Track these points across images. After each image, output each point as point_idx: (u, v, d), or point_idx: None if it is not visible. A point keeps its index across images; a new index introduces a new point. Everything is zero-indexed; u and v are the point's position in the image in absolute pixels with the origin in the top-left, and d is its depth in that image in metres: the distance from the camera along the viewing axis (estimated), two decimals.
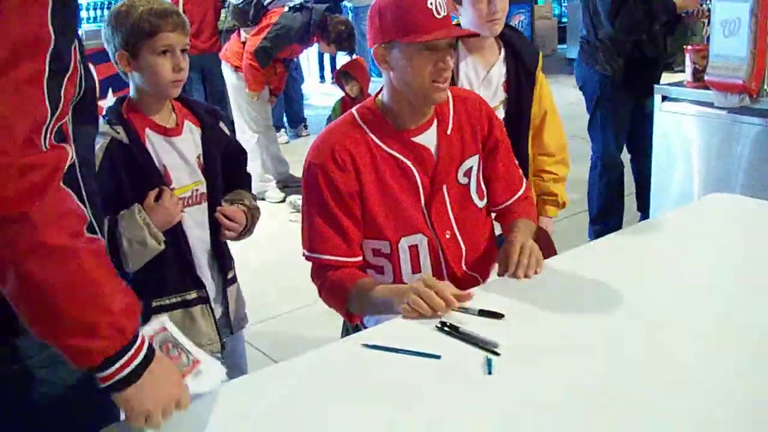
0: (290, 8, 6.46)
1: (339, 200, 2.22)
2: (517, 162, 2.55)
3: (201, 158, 2.39)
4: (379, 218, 2.26)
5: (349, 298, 2.22)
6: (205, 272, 2.45)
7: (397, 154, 2.26)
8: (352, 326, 2.47)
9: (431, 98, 2.22)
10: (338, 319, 2.54)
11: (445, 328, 1.93)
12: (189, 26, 2.34)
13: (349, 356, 1.90)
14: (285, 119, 8.58)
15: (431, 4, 2.13)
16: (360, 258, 2.30)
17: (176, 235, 2.34)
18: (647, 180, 4.61)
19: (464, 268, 2.37)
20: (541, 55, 2.96)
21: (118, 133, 2.24)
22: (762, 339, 1.90)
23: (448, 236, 2.33)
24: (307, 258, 2.32)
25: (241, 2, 6.52)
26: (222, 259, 2.52)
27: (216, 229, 2.44)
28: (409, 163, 2.27)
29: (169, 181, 2.32)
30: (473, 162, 2.38)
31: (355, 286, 2.21)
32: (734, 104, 3.77)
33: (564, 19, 14.05)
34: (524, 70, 2.87)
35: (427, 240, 2.30)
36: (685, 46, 4.25)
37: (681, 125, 4.21)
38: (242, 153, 2.61)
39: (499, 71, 2.84)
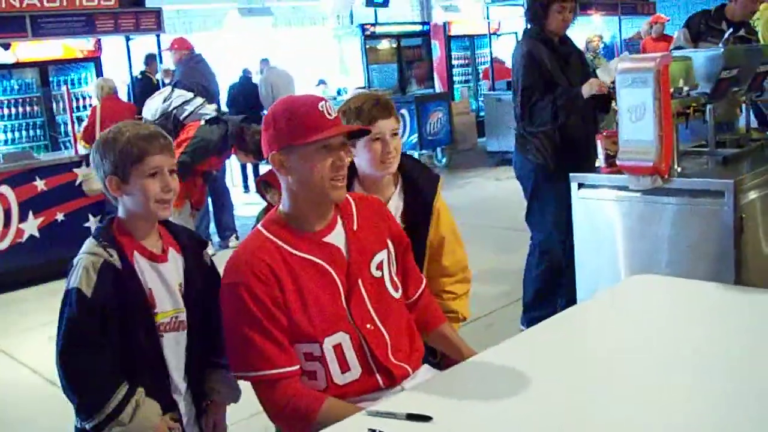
0: (206, 121, 6.50)
1: (267, 313, 2.22)
2: None
3: (182, 286, 2.40)
4: (302, 322, 2.26)
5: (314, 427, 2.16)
6: (179, 396, 2.42)
7: (311, 257, 2.29)
8: None
9: (330, 196, 2.29)
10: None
11: None
12: (174, 147, 2.39)
13: None
14: (214, 229, 8.53)
15: (321, 107, 2.25)
16: (298, 366, 2.27)
17: (153, 360, 2.33)
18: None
19: (392, 358, 2.35)
20: (440, 182, 3.00)
21: (111, 256, 2.26)
22: (692, 412, 1.92)
23: (370, 327, 2.34)
24: (246, 378, 2.29)
25: (158, 118, 6.55)
26: (195, 387, 2.49)
27: (192, 357, 2.43)
28: (323, 263, 2.30)
29: (153, 306, 2.33)
30: (383, 256, 2.43)
31: (319, 414, 2.20)
32: (647, 186, 3.85)
33: (482, 113, 14.36)
34: (421, 200, 2.91)
35: (349, 336, 2.30)
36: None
37: (600, 209, 4.28)
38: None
39: (395, 204, 2.87)
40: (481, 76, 16.41)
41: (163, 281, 2.36)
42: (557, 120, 4.50)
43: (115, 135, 2.30)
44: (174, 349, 2.39)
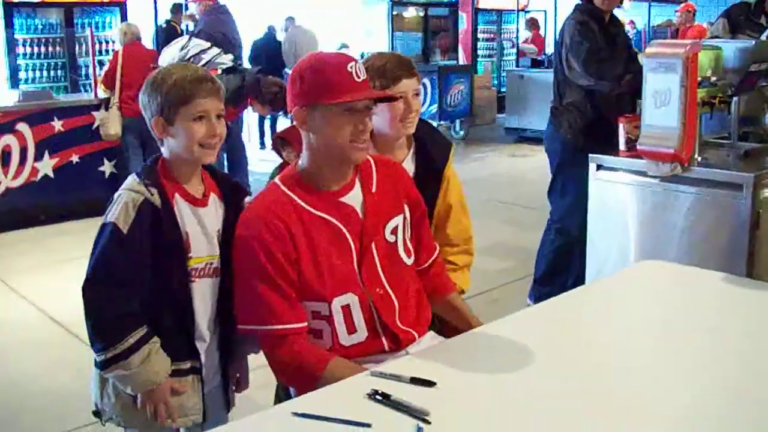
0: (223, 71, 6.49)
1: (278, 268, 2.22)
2: None
3: (220, 233, 2.38)
4: (313, 280, 2.25)
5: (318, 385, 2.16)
6: (202, 343, 2.40)
7: (326, 216, 2.29)
8: (283, 393, 2.44)
9: (351, 158, 2.28)
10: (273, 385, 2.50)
11: (377, 396, 1.91)
12: (224, 92, 2.37)
13: (280, 425, 1.87)
14: None
15: (350, 67, 2.22)
16: (306, 323, 2.27)
17: (181, 304, 2.32)
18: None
19: (399, 323, 2.35)
20: (453, 149, 2.98)
21: (152, 195, 2.25)
22: (691, 402, 1.93)
23: (379, 291, 2.34)
24: (253, 331, 2.29)
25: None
26: (222, 338, 2.46)
27: (223, 304, 2.40)
28: (338, 223, 2.29)
29: (188, 250, 2.31)
30: (398, 221, 2.42)
31: (324, 372, 2.20)
32: (666, 173, 3.84)
33: (503, 89, 14.30)
34: (432, 166, 2.89)
35: (358, 298, 2.30)
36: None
37: (615, 193, 4.27)
38: None
39: (407, 167, 2.82)
40: (521, 41, 16.09)
41: (202, 226, 2.34)
42: (623, 77, 4.47)
43: (164, 76, 2.28)
44: (204, 295, 2.36)
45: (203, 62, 6.62)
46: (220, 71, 6.51)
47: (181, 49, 6.77)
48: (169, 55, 6.76)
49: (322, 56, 2.34)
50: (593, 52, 4.51)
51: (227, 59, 6.76)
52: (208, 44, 6.87)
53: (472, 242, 3.04)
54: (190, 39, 7.02)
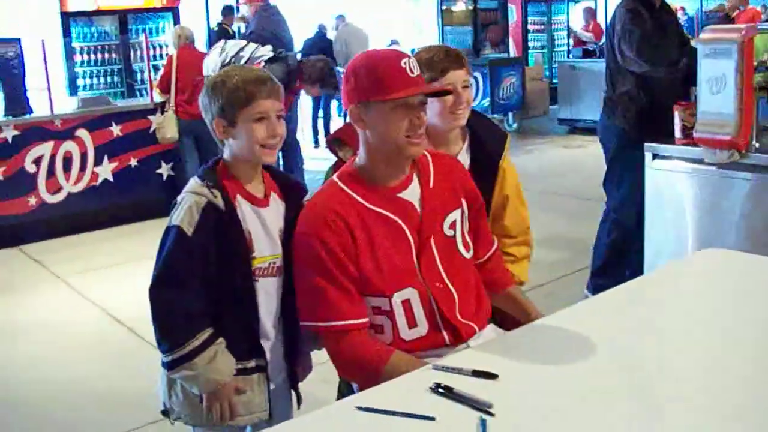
0: (266, 62, 6.54)
1: (339, 265, 2.24)
2: None
3: (282, 232, 2.41)
4: (373, 276, 2.27)
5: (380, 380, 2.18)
6: (267, 342, 2.43)
7: (384, 211, 2.30)
8: (346, 388, 2.46)
9: (407, 153, 2.29)
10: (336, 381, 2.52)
11: (440, 390, 1.92)
12: (283, 92, 2.39)
13: (344, 419, 1.89)
14: None
15: (404, 63, 2.23)
16: (367, 318, 2.30)
17: (246, 304, 2.35)
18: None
19: (459, 317, 2.36)
20: (508, 140, 2.96)
21: (215, 197, 2.28)
22: (753, 392, 1.90)
23: (439, 285, 2.34)
24: (314, 328, 2.32)
25: (221, 67, 6.60)
26: (287, 335, 2.50)
27: (286, 302, 2.43)
28: (396, 218, 2.31)
29: (252, 250, 2.34)
30: (456, 215, 2.42)
31: (386, 367, 2.21)
32: (723, 160, 3.80)
33: (555, 81, 14.20)
34: (488, 158, 2.88)
35: (418, 293, 2.31)
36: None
37: (672, 182, 4.24)
38: None
39: (462, 160, 2.81)
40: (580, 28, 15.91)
41: (264, 226, 2.36)
42: (677, 63, 4.45)
43: (224, 78, 2.32)
44: (268, 294, 2.39)
45: (244, 60, 6.67)
46: (262, 64, 6.56)
47: (220, 53, 6.84)
48: (212, 62, 6.84)
49: (375, 53, 2.35)
50: (646, 39, 4.47)
51: (266, 50, 6.80)
52: (244, 42, 6.94)
53: (530, 234, 3.02)
54: (225, 42, 7.10)
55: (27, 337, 5.22)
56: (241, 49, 6.79)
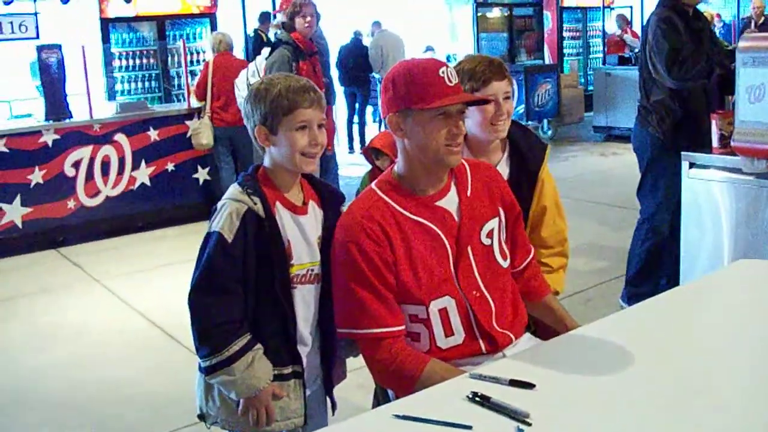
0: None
1: (376, 272, 2.26)
2: None
3: (320, 240, 2.43)
4: (410, 283, 2.29)
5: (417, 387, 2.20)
6: (304, 348, 2.46)
7: (422, 220, 2.32)
8: (382, 395, 2.48)
9: (445, 162, 2.30)
10: (371, 387, 2.54)
11: (477, 399, 1.93)
12: (325, 102, 2.41)
13: (381, 427, 1.90)
14: None
15: (442, 72, 2.24)
16: (404, 326, 2.31)
17: (283, 311, 2.37)
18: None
19: (495, 325, 2.37)
20: (548, 151, 2.96)
21: (255, 204, 2.31)
22: None
23: (476, 294, 2.36)
24: (352, 335, 2.34)
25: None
26: (324, 342, 2.52)
27: (324, 309, 2.46)
28: (434, 227, 2.32)
29: (291, 257, 2.36)
30: (494, 224, 2.43)
31: (422, 375, 2.23)
32: (762, 169, 3.78)
33: (590, 88, 14.13)
34: (527, 168, 2.89)
35: (455, 301, 2.33)
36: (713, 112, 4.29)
37: (709, 191, 4.22)
38: None
39: (502, 170, 2.82)
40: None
41: (303, 233, 2.39)
42: (711, 74, 4.42)
43: (267, 86, 2.33)
44: (306, 301, 2.42)
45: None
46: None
47: (252, 75, 6.90)
48: (245, 82, 6.93)
49: (413, 62, 2.36)
50: (675, 53, 4.44)
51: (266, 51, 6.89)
52: (267, 50, 6.99)
53: (567, 244, 3.03)
54: (253, 60, 7.17)
55: (64, 338, 5.28)
56: (266, 59, 6.84)
